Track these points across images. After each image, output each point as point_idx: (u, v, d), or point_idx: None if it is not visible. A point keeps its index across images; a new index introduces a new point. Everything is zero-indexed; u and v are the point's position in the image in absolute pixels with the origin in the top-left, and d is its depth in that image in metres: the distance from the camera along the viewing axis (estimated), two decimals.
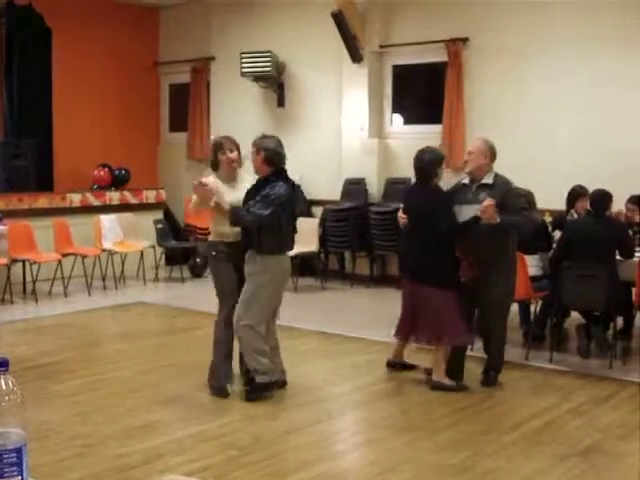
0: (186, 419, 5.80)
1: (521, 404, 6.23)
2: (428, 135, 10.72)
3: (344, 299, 10.77)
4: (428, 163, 6.41)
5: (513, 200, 6.39)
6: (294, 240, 6.38)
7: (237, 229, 6.13)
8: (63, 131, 12.93)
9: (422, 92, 12.34)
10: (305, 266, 11.54)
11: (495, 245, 6.31)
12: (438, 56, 11.05)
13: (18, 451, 1.76)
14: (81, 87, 13.16)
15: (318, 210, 11.89)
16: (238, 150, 6.36)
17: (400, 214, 6.58)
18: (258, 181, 6.18)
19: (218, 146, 6.37)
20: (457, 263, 6.40)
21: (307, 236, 11.18)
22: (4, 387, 1.76)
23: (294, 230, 6.35)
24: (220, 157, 6.33)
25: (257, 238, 6.05)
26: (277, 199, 5.99)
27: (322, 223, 11.39)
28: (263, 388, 6.19)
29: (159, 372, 7.06)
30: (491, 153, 6.49)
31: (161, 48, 14.46)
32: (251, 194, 6.07)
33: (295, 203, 6.33)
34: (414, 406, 6.20)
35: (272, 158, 6.14)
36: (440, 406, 6.14)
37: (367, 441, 5.59)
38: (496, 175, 6.49)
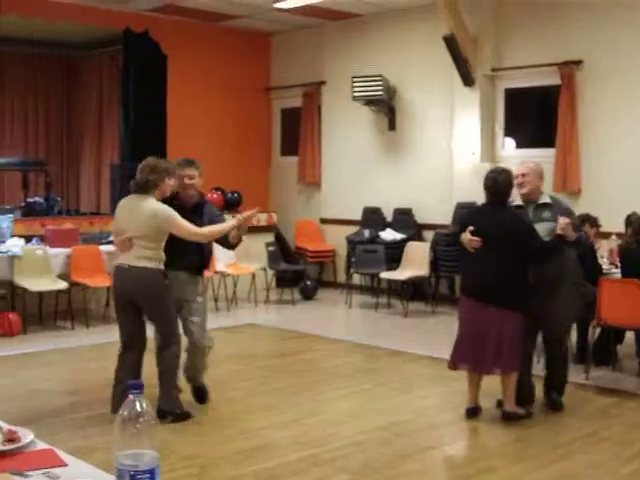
0: (298, 442, 5.83)
1: (637, 435, 6.08)
2: (540, 159, 10.42)
3: (455, 324, 10.64)
4: (504, 183, 6.31)
5: (573, 219, 6.39)
6: None
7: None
8: (177, 155, 13.04)
9: (534, 115, 12.19)
10: (416, 290, 11.51)
11: (560, 263, 6.33)
12: (551, 79, 10.90)
13: (151, 472, 1.80)
14: (195, 112, 13.44)
15: (429, 234, 11.84)
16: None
17: (468, 236, 6.39)
18: (179, 207, 6.14)
19: (168, 171, 6.09)
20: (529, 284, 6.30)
21: (418, 260, 11.17)
22: (138, 409, 1.81)
23: None
24: (165, 182, 6.03)
25: (204, 259, 6.52)
26: None
27: (433, 247, 11.33)
28: None
29: (272, 394, 7.11)
30: (542, 175, 6.54)
31: (273, 73, 14.66)
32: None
33: None
34: (531, 434, 6.08)
35: None
36: (557, 435, 6.03)
37: (479, 471, 5.51)
38: (550, 196, 6.61)
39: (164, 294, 6.08)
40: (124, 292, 6.07)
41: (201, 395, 6.66)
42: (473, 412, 6.38)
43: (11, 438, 2.70)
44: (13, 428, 2.79)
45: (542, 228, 6.24)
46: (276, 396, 7.05)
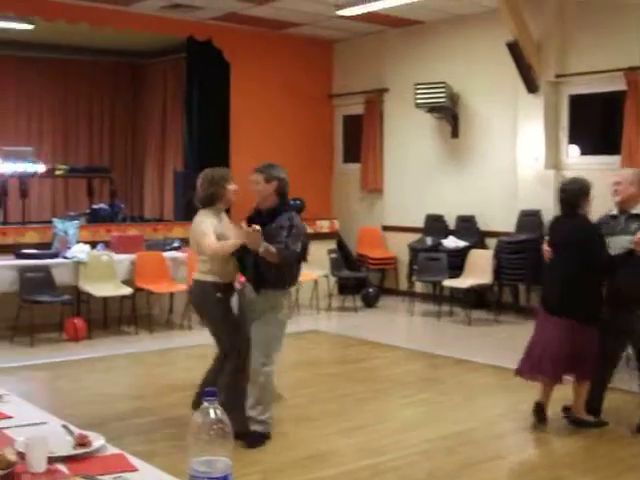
0: (361, 450, 5.81)
1: None
2: (606, 166, 10.43)
3: (518, 333, 10.52)
4: (573, 194, 6.20)
5: None
6: None
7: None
8: (240, 162, 13.22)
9: (599, 122, 12.04)
10: (478, 299, 11.42)
11: None
12: (616, 85, 10.74)
13: (224, 479, 1.80)
14: (257, 119, 13.50)
15: (492, 242, 11.74)
16: None
17: (545, 247, 6.37)
18: (258, 212, 6.00)
19: (225, 178, 6.10)
20: (602, 297, 6.20)
21: (481, 268, 11.09)
22: (212, 416, 1.81)
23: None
24: (227, 188, 6.03)
25: (277, 274, 5.75)
26: (300, 232, 5.83)
27: (496, 255, 11.23)
28: (266, 437, 5.89)
29: (335, 402, 7.10)
30: (638, 183, 6.28)
31: (335, 80, 14.67)
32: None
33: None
34: (598, 445, 5.99)
35: (284, 188, 6.00)
36: (625, 446, 5.93)
37: None
38: None
39: (214, 307, 5.92)
40: (194, 306, 6.16)
41: (249, 441, 5.77)
42: (540, 408, 6.28)
43: (82, 442, 2.73)
44: (84, 432, 2.83)
45: (623, 240, 6.06)
46: (339, 403, 7.04)
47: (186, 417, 6.49)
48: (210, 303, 5.92)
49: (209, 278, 5.88)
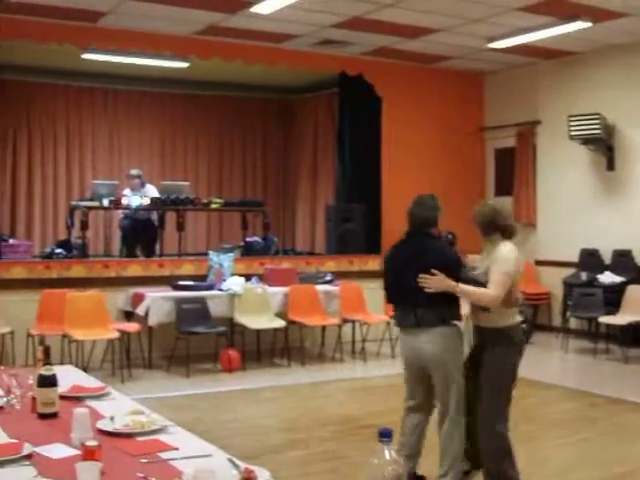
0: None
1: None
2: None
3: None
4: None
5: None
6: None
7: None
8: (391, 195, 13.29)
9: None
10: (636, 336, 11.05)
11: None
12: None
13: None
14: (408, 153, 13.52)
15: None
16: None
17: None
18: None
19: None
20: None
21: (639, 304, 10.74)
22: (387, 457, 1.81)
23: None
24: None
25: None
26: None
27: None
28: None
29: None
30: None
31: (486, 113, 14.55)
32: None
33: None
34: None
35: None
36: None
37: None
38: None
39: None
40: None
41: None
42: None
43: (248, 477, 2.76)
44: (250, 467, 2.86)
45: None
46: None
47: (340, 451, 6.54)
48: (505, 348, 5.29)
49: (507, 322, 5.28)
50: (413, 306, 5.31)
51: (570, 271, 12.29)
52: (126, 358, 9.67)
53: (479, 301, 5.12)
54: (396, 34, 11.69)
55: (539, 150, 13.48)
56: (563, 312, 12.17)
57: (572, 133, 12.08)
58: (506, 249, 5.21)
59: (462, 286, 5.14)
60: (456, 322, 5.34)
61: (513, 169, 13.79)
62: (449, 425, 5.29)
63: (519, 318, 5.27)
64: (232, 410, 8.09)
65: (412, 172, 13.49)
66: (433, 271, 5.15)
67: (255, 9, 10.20)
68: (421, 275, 5.18)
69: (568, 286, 12.03)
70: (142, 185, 12.58)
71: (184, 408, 8.00)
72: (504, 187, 14.10)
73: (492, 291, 5.04)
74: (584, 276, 11.88)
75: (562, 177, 12.94)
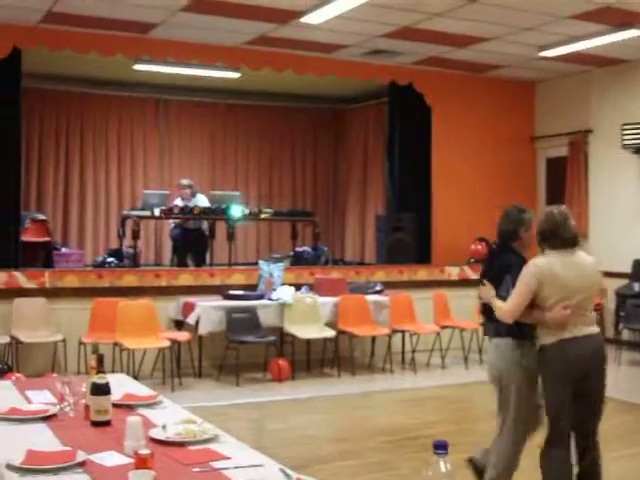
0: None
1: None
2: None
3: None
4: None
5: None
6: None
7: None
8: (441, 205, 13.26)
9: None
10: None
11: None
12: None
13: None
14: (458, 162, 13.48)
15: None
16: None
17: None
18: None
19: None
20: None
21: None
22: (442, 470, 1.79)
23: None
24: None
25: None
26: None
27: None
28: None
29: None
30: None
31: (537, 122, 14.44)
32: None
33: None
34: None
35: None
36: None
37: None
38: None
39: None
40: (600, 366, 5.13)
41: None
42: None
43: None
44: (302, 477, 2.86)
45: None
46: None
47: (391, 462, 6.50)
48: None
49: (551, 338, 4.96)
50: (486, 317, 5.28)
51: (623, 282, 12.13)
52: (176, 367, 9.71)
53: (498, 315, 5.00)
54: (446, 43, 11.65)
55: (591, 159, 13.34)
56: (615, 324, 12.02)
57: (625, 142, 11.96)
58: (529, 263, 4.97)
59: (493, 298, 5.03)
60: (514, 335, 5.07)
61: (565, 179, 13.65)
62: (505, 435, 5.20)
63: (562, 336, 4.84)
64: (282, 420, 8.09)
65: (462, 182, 13.45)
66: (484, 281, 5.11)
67: (305, 19, 10.23)
68: (480, 285, 5.16)
69: (621, 297, 11.88)
70: (193, 195, 12.66)
71: (234, 417, 8.01)
72: (555, 197, 13.93)
73: (505, 305, 4.92)
74: (637, 287, 11.74)
75: (614, 186, 12.79)
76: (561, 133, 13.71)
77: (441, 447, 1.77)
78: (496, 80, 13.82)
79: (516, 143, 14.13)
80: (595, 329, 4.97)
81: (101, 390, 3.60)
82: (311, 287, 10.84)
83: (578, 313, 4.83)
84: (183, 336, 9.77)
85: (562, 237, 4.92)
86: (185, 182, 12.92)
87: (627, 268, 12.24)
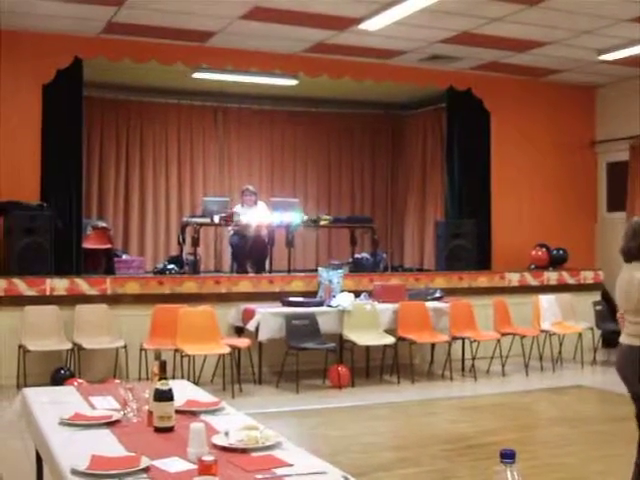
0: None
1: None
2: None
3: None
4: None
5: None
6: None
7: None
8: (501, 210, 13.17)
9: None
10: None
11: None
12: None
13: None
14: (518, 167, 13.39)
15: None
16: None
17: None
18: None
19: None
20: None
21: None
22: (510, 479, 1.77)
23: None
24: None
25: None
26: None
27: None
28: None
29: (605, 462, 6.77)
30: None
31: (598, 126, 14.28)
32: None
33: None
34: None
35: None
36: None
37: None
38: None
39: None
40: (618, 371, 5.23)
41: None
42: None
43: None
44: None
45: None
46: (610, 464, 6.68)
47: (451, 470, 6.46)
48: (633, 369, 5.06)
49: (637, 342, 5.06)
50: None
51: None
52: (237, 373, 9.75)
53: None
54: (505, 48, 11.58)
55: None
56: None
57: None
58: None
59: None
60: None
61: (626, 183, 13.47)
62: None
63: None
64: (341, 427, 8.08)
65: (522, 187, 13.36)
66: None
67: (363, 26, 10.24)
68: None
69: None
70: (255, 202, 12.70)
71: (293, 424, 8.03)
72: (617, 202, 13.78)
73: None
74: None
75: None
76: (622, 137, 13.54)
77: (509, 456, 1.75)
78: (555, 85, 13.69)
79: (576, 148, 13.99)
80: (625, 339, 5.16)
81: (164, 396, 3.63)
82: (370, 294, 10.83)
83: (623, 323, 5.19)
84: (243, 342, 9.81)
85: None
86: (252, 188, 12.92)
87: None
